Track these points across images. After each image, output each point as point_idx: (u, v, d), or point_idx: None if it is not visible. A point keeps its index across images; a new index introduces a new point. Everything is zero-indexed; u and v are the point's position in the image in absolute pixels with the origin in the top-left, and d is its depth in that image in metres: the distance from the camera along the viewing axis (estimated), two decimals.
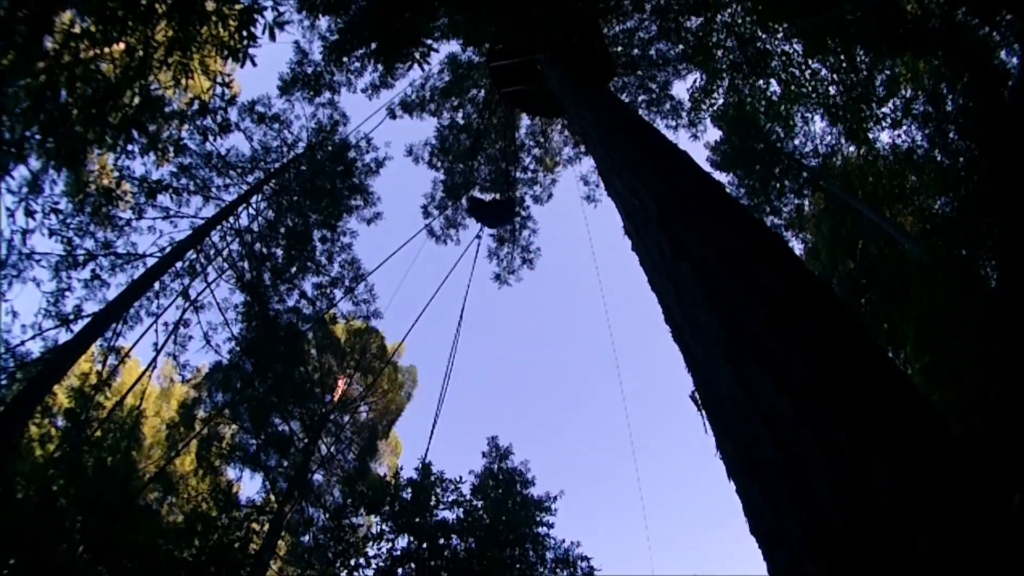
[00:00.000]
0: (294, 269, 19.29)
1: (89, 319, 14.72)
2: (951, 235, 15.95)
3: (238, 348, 18.35)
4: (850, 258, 18.21)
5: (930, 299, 15.16)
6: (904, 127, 17.36)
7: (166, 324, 17.47)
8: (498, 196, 18.60)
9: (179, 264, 17.24)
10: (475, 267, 16.91)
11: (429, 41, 13.79)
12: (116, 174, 16.45)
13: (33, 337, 14.90)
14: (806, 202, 20.19)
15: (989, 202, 14.22)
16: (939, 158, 16.84)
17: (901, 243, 16.11)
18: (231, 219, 18.14)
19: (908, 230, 16.65)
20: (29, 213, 13.98)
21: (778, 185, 19.57)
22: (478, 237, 16.86)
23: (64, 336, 15.05)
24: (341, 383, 24.83)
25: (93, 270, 16.37)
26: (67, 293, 15.79)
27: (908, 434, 1.89)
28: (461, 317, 13.99)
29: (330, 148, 19.57)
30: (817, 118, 18.76)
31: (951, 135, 16.16)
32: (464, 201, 16.88)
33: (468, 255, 17.85)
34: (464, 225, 21.74)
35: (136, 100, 11.15)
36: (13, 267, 14.71)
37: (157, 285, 16.87)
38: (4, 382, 14.43)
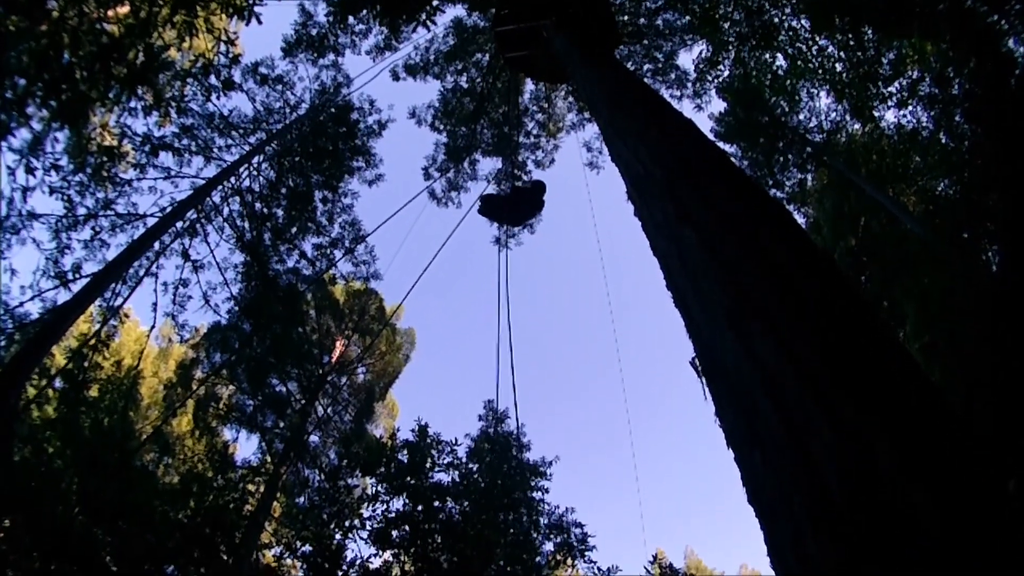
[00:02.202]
0: (294, 229, 19.28)
1: (88, 279, 14.69)
2: (954, 217, 15.98)
3: (237, 308, 18.37)
4: (852, 234, 18.24)
5: (931, 279, 15.22)
6: (910, 107, 17.35)
7: (165, 284, 17.51)
8: (519, 183, 16.54)
9: (179, 224, 17.19)
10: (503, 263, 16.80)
11: (436, 2, 13.73)
12: (118, 131, 16.38)
13: (32, 298, 14.91)
14: (809, 177, 20.18)
15: (992, 186, 14.21)
16: (944, 140, 16.83)
17: (903, 222, 16.15)
18: (232, 179, 18.10)
19: (911, 210, 16.64)
20: (30, 170, 13.94)
21: (781, 159, 19.56)
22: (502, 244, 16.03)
23: (63, 297, 15.04)
24: (339, 344, 24.89)
25: (93, 228, 16.34)
26: (67, 251, 15.76)
27: (912, 410, 1.86)
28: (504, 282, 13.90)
29: (333, 110, 19.50)
30: (823, 94, 18.81)
31: (957, 118, 16.11)
32: (478, 202, 14.71)
33: (469, 219, 17.24)
34: (465, 188, 21.79)
35: (140, 58, 11.09)
36: (13, 228, 14.67)
37: (157, 245, 16.85)
38: (3, 343, 14.42)
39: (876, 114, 17.99)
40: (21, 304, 14.66)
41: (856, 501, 1.71)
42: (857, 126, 19.00)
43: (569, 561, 14.21)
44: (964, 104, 15.65)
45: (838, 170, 18.20)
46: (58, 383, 16.47)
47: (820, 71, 17.15)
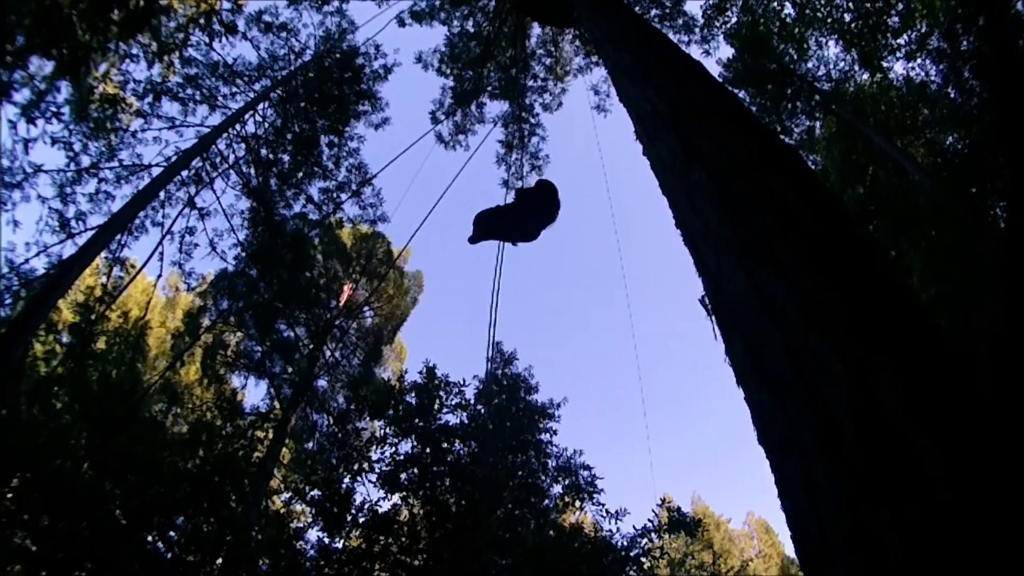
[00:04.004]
0: (301, 174, 19.19)
1: (94, 232, 14.63)
2: (962, 172, 15.88)
3: (244, 255, 18.36)
4: (859, 183, 18.12)
5: (939, 233, 15.15)
6: (918, 60, 17.20)
7: (171, 233, 17.47)
8: (521, 187, 12.96)
9: (185, 173, 17.12)
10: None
11: None
12: (120, 79, 16.27)
13: (37, 254, 14.81)
14: (817, 125, 20.03)
15: (1001, 145, 14.10)
16: (952, 95, 16.66)
17: (911, 174, 16.05)
18: (237, 126, 17.98)
19: (919, 162, 16.51)
20: (31, 119, 13.85)
21: (789, 106, 19.40)
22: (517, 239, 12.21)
23: (69, 250, 14.95)
24: (347, 288, 24.89)
25: (98, 178, 16.25)
26: (71, 203, 15.69)
27: (920, 353, 1.87)
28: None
29: (338, 56, 19.32)
30: (831, 43, 18.63)
31: (966, 73, 15.94)
32: (474, 226, 11.78)
33: (475, 158, 16.77)
34: (473, 131, 21.70)
35: (140, 3, 11.00)
36: (16, 183, 14.59)
37: (162, 195, 16.78)
38: (8, 301, 14.42)
39: (885, 65, 17.89)
40: (26, 261, 14.58)
41: (864, 437, 1.73)
42: (866, 76, 18.86)
43: (577, 504, 14.28)
44: (973, 61, 15.49)
45: (846, 119, 18.06)
46: (65, 338, 16.52)
47: (828, 20, 16.96)
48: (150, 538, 12.72)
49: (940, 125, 17.20)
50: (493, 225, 11.91)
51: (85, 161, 15.95)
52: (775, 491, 2.16)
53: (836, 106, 18.52)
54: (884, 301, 2.08)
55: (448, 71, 21.28)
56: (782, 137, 19.29)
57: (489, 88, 21.44)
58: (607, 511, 13.81)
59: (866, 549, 1.61)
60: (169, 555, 12.76)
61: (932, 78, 17.12)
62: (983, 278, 13.43)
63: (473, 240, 11.70)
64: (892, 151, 16.19)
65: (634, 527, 13.52)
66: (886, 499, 1.61)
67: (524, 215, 11.82)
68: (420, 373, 15.12)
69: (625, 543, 13.31)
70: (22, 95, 13.41)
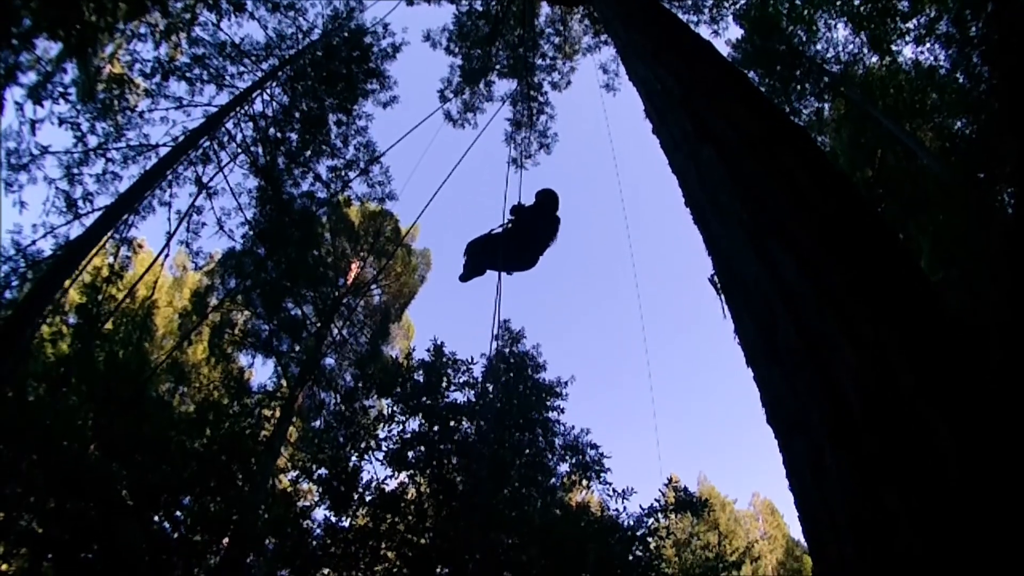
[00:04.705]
0: (309, 152, 19.18)
1: (101, 212, 14.62)
2: (970, 156, 15.83)
3: (252, 233, 18.37)
4: (868, 166, 18.07)
5: (947, 216, 15.10)
6: (927, 44, 17.15)
7: (179, 212, 17.47)
8: (519, 202, 10.23)
9: (192, 152, 17.10)
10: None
11: None
12: (127, 59, 16.26)
13: (44, 236, 14.78)
14: (826, 106, 19.95)
15: (1009, 131, 14.06)
16: (961, 80, 16.59)
17: (920, 157, 15.99)
18: (245, 106, 17.96)
19: (928, 146, 16.45)
20: (37, 100, 13.82)
21: (798, 87, 19.33)
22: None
23: (76, 231, 14.95)
24: (355, 266, 24.88)
25: (106, 158, 16.22)
26: (78, 184, 15.67)
27: (932, 336, 1.86)
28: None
29: (346, 34, 19.27)
30: (840, 25, 18.55)
31: (975, 59, 15.87)
32: (465, 257, 10.17)
33: (484, 137, 16.22)
34: (481, 109, 21.71)
35: None
36: (22, 165, 14.56)
37: (170, 174, 16.78)
38: (15, 283, 14.41)
39: (894, 49, 17.85)
40: (33, 242, 14.55)
41: (874, 419, 1.72)
42: (875, 59, 18.83)
43: (584, 482, 14.37)
44: (981, 47, 15.42)
45: (855, 101, 18.00)
46: (72, 319, 16.54)
47: (838, 2, 16.89)
48: (157, 518, 12.77)
49: (949, 110, 17.15)
50: (486, 254, 9.98)
51: (92, 142, 15.96)
52: (781, 472, 2.17)
53: (845, 88, 18.46)
54: (896, 283, 2.08)
55: (456, 50, 21.32)
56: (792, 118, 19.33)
57: (497, 67, 21.46)
58: (614, 490, 13.87)
59: (875, 531, 1.62)
60: (176, 535, 12.82)
61: (941, 63, 17.09)
62: (991, 264, 13.39)
63: (464, 277, 10.18)
64: (901, 134, 16.14)
65: (641, 506, 13.58)
66: (897, 481, 1.61)
67: (523, 238, 9.76)
68: (428, 351, 15.20)
69: (632, 522, 13.35)
70: (28, 77, 13.44)
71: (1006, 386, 1.69)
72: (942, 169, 15.28)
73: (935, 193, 15.71)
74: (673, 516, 14.03)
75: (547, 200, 10.14)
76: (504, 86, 22.41)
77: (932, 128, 17.68)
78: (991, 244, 13.57)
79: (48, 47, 13.59)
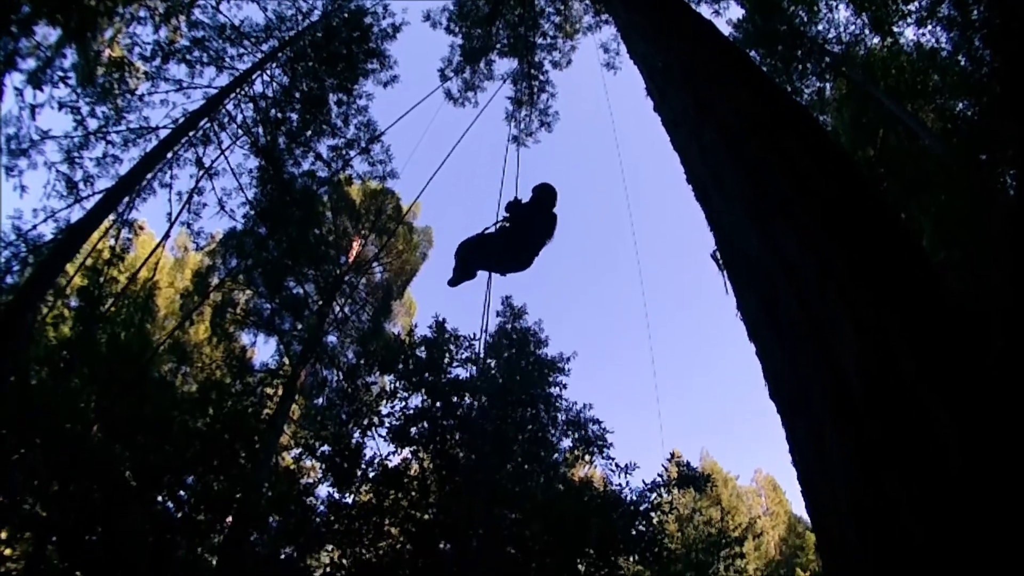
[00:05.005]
0: (309, 132, 19.09)
1: (101, 195, 14.59)
2: (972, 138, 15.80)
3: (253, 213, 18.35)
4: (870, 146, 18.03)
5: (949, 197, 15.09)
6: (929, 26, 17.07)
7: (180, 194, 17.44)
8: (515, 197, 9.58)
9: (193, 134, 17.08)
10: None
11: None
12: (127, 41, 16.24)
13: (45, 220, 14.75)
14: (828, 87, 19.88)
15: (1010, 115, 14.03)
16: (963, 63, 16.55)
17: (922, 138, 15.95)
18: (245, 87, 17.92)
19: (929, 127, 16.43)
20: (37, 85, 13.79)
21: (800, 67, 19.27)
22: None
23: (77, 215, 14.91)
24: (356, 245, 24.86)
25: (106, 141, 16.18)
26: (79, 167, 15.64)
27: (934, 318, 1.87)
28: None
29: (346, 15, 19.20)
30: (842, 7, 18.53)
31: (976, 42, 15.82)
32: (456, 259, 9.48)
33: (485, 117, 15.94)
34: (482, 88, 21.67)
35: None
36: (22, 150, 14.52)
37: (170, 156, 16.75)
38: (16, 268, 14.38)
39: (895, 30, 17.78)
40: (34, 227, 14.51)
41: (875, 401, 1.75)
42: (876, 40, 18.74)
43: (586, 457, 14.42)
44: (983, 31, 15.38)
45: (857, 82, 17.94)
46: (74, 302, 16.55)
47: None
48: (160, 498, 12.84)
49: (951, 92, 17.10)
50: (479, 256, 9.30)
51: (92, 125, 15.92)
52: (783, 449, 2.21)
53: (846, 69, 18.39)
54: (898, 266, 2.09)
55: (456, 29, 21.26)
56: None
57: (498, 46, 21.37)
58: (616, 465, 13.92)
59: (876, 510, 1.64)
60: (179, 515, 12.89)
61: (943, 45, 17.02)
62: (992, 246, 13.39)
63: (453, 281, 9.50)
64: (903, 115, 16.09)
65: (643, 481, 13.63)
66: (898, 463, 1.63)
67: (518, 237, 9.12)
68: (430, 327, 15.22)
69: (634, 498, 13.40)
70: (28, 64, 13.42)
71: (1007, 373, 1.70)
72: (944, 150, 15.24)
73: (937, 174, 15.68)
74: (676, 491, 14.10)
75: (544, 196, 9.38)
76: (505, 65, 22.36)
77: (934, 109, 17.62)
78: (993, 226, 13.56)
79: (48, 33, 13.60)
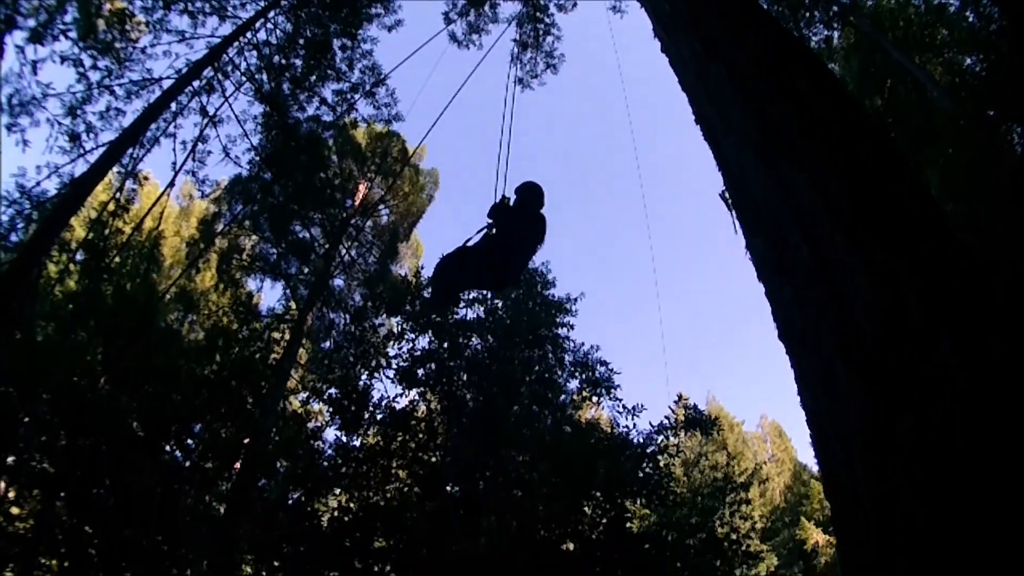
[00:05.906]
0: (313, 77, 18.85)
1: (105, 147, 14.50)
2: (980, 93, 15.70)
3: (258, 159, 18.22)
4: (878, 95, 17.92)
5: (956, 151, 15.02)
6: None
7: (184, 143, 17.30)
8: (503, 197, 8.25)
9: (196, 83, 16.96)
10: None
11: None
12: None
13: (48, 176, 14.49)
14: (835, 35, 19.66)
15: (1017, 73, 13.94)
16: (971, 18, 16.38)
17: (930, 90, 15.83)
18: (248, 34, 17.74)
19: (937, 80, 16.31)
20: (38, 39, 13.67)
21: (807, 14, 19.05)
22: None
23: (80, 169, 14.74)
24: (362, 187, 24.77)
25: (109, 91, 16.04)
26: (82, 121, 15.53)
27: (941, 259, 1.92)
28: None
29: None
30: None
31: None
32: (434, 280, 8.58)
33: (490, 58, 15.81)
34: (487, 31, 21.43)
35: None
36: (24, 106, 14.39)
37: (174, 106, 16.62)
38: (20, 226, 14.30)
39: None
40: (37, 183, 14.26)
41: (885, 342, 1.79)
42: None
43: (594, 399, 14.44)
44: None
45: (865, 31, 17.76)
46: (79, 255, 16.53)
47: None
48: (168, 448, 13.00)
49: (959, 46, 16.95)
50: (462, 274, 8.11)
51: (95, 77, 15.75)
52: (791, 395, 2.25)
53: (854, 18, 18.20)
54: (908, 207, 2.12)
55: None
56: None
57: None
58: (624, 407, 13.95)
59: (886, 452, 1.69)
60: (187, 463, 13.08)
61: (951, 1, 16.85)
62: (998, 202, 13.38)
63: (435, 306, 8.86)
64: (911, 66, 15.97)
65: (650, 423, 13.67)
66: (909, 404, 1.67)
67: (504, 246, 7.70)
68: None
69: (641, 440, 13.50)
70: (29, 23, 13.32)
71: (1014, 316, 1.75)
72: (952, 104, 15.17)
73: (944, 127, 15.59)
74: (683, 434, 14.17)
75: (530, 197, 7.98)
76: (510, 8, 22.03)
77: (942, 63, 17.46)
78: (999, 182, 13.54)
79: None
